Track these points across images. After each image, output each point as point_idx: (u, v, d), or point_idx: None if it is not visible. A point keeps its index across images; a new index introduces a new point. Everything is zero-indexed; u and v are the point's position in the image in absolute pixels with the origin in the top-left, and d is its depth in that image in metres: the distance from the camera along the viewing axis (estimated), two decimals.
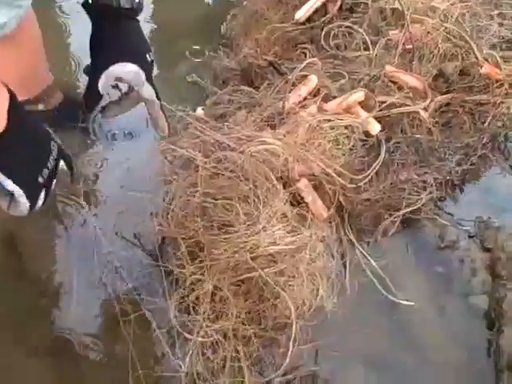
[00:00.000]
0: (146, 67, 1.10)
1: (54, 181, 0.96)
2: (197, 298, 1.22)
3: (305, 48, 1.65)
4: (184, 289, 1.22)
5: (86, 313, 1.32)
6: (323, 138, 1.37)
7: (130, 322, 1.22)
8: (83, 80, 1.71)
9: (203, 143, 1.30)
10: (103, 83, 1.07)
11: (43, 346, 1.28)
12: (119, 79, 1.08)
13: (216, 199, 1.25)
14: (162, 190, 1.33)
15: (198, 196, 1.24)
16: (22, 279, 1.38)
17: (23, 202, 0.88)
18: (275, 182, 1.27)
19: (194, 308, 1.22)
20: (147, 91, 1.11)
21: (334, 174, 1.32)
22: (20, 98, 1.49)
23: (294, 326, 1.18)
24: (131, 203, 1.39)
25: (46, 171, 0.91)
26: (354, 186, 1.37)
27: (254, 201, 1.24)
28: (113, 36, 1.07)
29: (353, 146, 1.41)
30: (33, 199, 0.90)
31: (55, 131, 1.54)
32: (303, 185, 1.33)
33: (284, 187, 1.31)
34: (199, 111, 1.56)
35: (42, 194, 0.93)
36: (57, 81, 1.63)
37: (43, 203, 0.94)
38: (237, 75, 1.66)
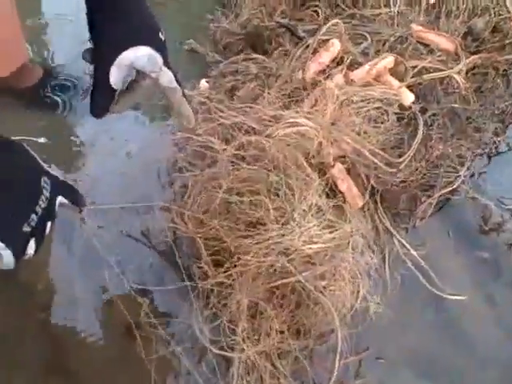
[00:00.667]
0: (162, 48, 0.88)
1: (49, 224, 0.78)
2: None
3: (316, 6, 1.44)
4: (212, 305, 1.04)
5: (95, 329, 1.15)
6: (355, 114, 1.18)
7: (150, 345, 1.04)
8: (64, 53, 1.50)
9: (220, 127, 1.10)
10: (116, 76, 0.85)
11: (46, 365, 1.11)
12: (130, 66, 0.87)
13: (241, 194, 1.06)
14: (176, 182, 1.13)
15: (220, 190, 1.05)
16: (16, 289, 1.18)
17: (6, 254, 0.71)
18: (309, 170, 1.09)
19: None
20: (166, 77, 0.90)
21: (370, 156, 1.14)
22: None
23: (339, 337, 1.03)
24: (137, 197, 1.19)
25: (33, 217, 0.73)
26: (393, 170, 1.19)
27: (286, 194, 1.06)
28: (118, 14, 0.85)
29: (386, 120, 1.23)
30: (18, 251, 0.73)
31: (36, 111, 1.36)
32: (337, 171, 1.15)
33: (319, 174, 1.14)
34: (203, 84, 1.34)
35: (32, 243, 0.75)
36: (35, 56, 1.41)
37: (36, 251, 0.77)
38: (240, 40, 1.44)
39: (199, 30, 1.55)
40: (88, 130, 1.39)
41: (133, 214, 1.20)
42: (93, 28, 0.85)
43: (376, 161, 1.12)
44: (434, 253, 1.23)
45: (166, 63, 0.89)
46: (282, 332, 1.04)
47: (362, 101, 1.20)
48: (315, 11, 1.44)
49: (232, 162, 1.08)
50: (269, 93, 1.19)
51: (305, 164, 1.08)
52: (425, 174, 1.26)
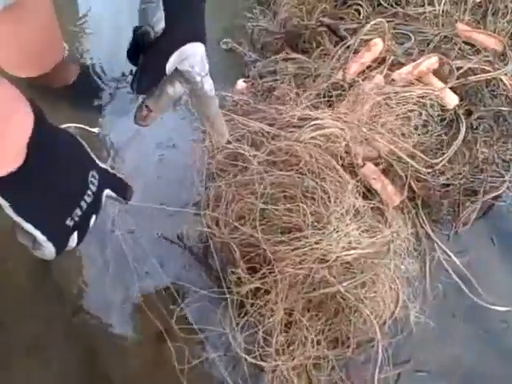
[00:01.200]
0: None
1: (93, 217, 0.76)
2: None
3: (358, 4, 1.40)
4: (247, 313, 1.01)
5: (127, 335, 1.13)
6: (391, 114, 1.14)
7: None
8: (102, 52, 1.49)
9: (250, 133, 1.07)
10: (173, 62, 0.83)
11: (76, 369, 1.09)
12: (184, 61, 0.84)
13: (276, 199, 1.03)
14: (208, 188, 1.10)
15: (252, 196, 1.03)
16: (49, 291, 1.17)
17: (48, 246, 0.70)
18: (342, 171, 1.06)
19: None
20: (209, 83, 0.88)
21: (404, 156, 1.10)
22: (29, 75, 1.32)
23: (379, 348, 0.99)
24: (171, 201, 1.17)
25: (78, 212, 0.72)
26: (429, 170, 1.15)
27: (322, 197, 1.03)
28: (190, 12, 0.83)
29: (427, 122, 1.19)
30: (59, 244, 0.72)
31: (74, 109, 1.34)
32: (369, 170, 1.11)
33: (351, 176, 1.10)
34: (240, 84, 1.32)
35: (75, 236, 0.74)
36: (72, 54, 1.39)
37: (78, 244, 0.75)
38: (278, 39, 1.41)
39: (237, 29, 1.51)
40: (122, 131, 1.37)
41: (166, 219, 1.18)
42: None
43: (410, 161, 1.08)
44: (477, 261, 1.18)
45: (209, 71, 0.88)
46: (318, 343, 1.01)
47: (402, 102, 1.15)
48: (357, 10, 1.39)
49: (264, 167, 1.05)
50: (297, 93, 1.15)
51: (337, 166, 1.04)
52: (468, 179, 1.22)
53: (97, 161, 0.77)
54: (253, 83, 1.30)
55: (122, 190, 0.83)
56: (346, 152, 1.10)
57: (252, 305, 1.03)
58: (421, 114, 1.18)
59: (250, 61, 1.40)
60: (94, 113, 1.39)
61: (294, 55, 1.30)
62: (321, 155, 1.04)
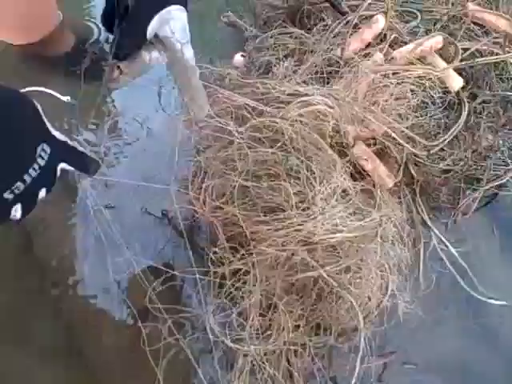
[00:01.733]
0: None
1: (43, 190, 0.72)
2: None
3: None
4: (224, 295, 0.97)
5: (105, 311, 1.10)
6: (388, 94, 1.08)
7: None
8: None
9: (236, 107, 1.02)
10: (154, 27, 0.79)
11: (49, 346, 1.06)
12: (164, 26, 0.81)
13: (259, 177, 0.99)
14: (190, 163, 1.06)
15: (235, 174, 0.98)
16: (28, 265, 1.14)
17: None
18: (329, 150, 1.00)
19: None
20: (190, 52, 0.84)
21: (397, 137, 1.04)
22: (22, 42, 1.28)
23: (361, 338, 0.94)
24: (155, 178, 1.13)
25: (19, 185, 0.67)
26: (424, 153, 1.09)
27: (307, 177, 0.98)
28: None
29: (426, 104, 1.13)
30: None
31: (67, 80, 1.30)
32: (360, 150, 1.06)
33: (340, 156, 1.04)
34: (238, 58, 1.27)
35: (18, 207, 0.69)
36: (67, 21, 1.35)
37: (24, 215, 0.71)
38: (281, 14, 1.35)
39: (240, 2, 1.46)
40: (112, 103, 1.33)
41: (150, 196, 1.14)
42: None
43: (403, 143, 1.02)
44: (475, 252, 1.12)
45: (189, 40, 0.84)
46: (297, 327, 0.97)
47: (400, 82, 1.09)
48: None
49: (246, 143, 1.00)
50: (290, 68, 1.10)
51: (324, 145, 0.99)
52: (471, 166, 1.16)
53: (53, 132, 0.73)
54: (250, 57, 1.25)
55: (82, 164, 0.79)
56: (336, 131, 1.04)
57: (231, 286, 0.99)
58: (419, 95, 1.11)
59: (250, 35, 1.35)
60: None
61: (292, 29, 1.25)
62: (307, 133, 0.98)
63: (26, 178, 0.68)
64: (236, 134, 0.98)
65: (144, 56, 0.82)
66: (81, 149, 0.78)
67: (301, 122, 0.98)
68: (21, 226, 1.15)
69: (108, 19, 0.78)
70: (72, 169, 0.77)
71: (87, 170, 0.80)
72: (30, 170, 0.69)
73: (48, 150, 0.71)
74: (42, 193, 0.73)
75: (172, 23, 0.80)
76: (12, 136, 0.67)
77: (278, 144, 0.99)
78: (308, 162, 0.97)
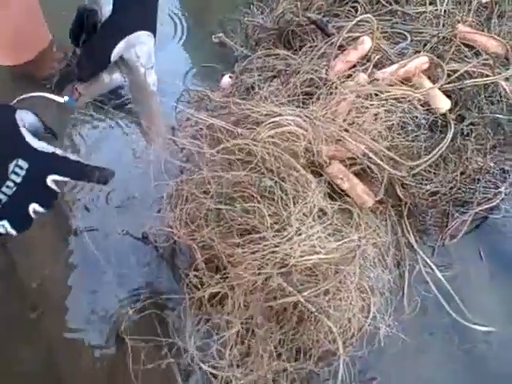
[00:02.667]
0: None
1: (33, 206, 0.74)
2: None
3: (355, 2, 1.33)
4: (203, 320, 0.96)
5: (86, 334, 1.09)
6: (369, 114, 1.07)
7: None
8: None
9: (211, 129, 1.01)
10: (119, 50, 0.79)
11: (27, 370, 1.05)
12: (130, 50, 0.81)
13: (233, 199, 0.97)
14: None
15: (209, 196, 0.97)
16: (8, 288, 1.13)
17: None
18: (302, 170, 0.99)
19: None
20: (152, 78, 0.85)
21: (374, 157, 1.02)
22: (13, 63, 1.30)
23: (341, 365, 0.92)
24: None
25: None
26: (405, 174, 1.07)
27: (282, 197, 0.96)
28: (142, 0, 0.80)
29: (410, 125, 1.11)
30: None
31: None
32: (335, 169, 1.04)
33: (316, 176, 1.03)
34: (226, 79, 1.27)
35: (5, 223, 0.73)
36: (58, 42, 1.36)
37: (19, 231, 0.74)
38: (271, 35, 1.36)
39: (232, 23, 1.47)
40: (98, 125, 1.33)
41: (132, 217, 1.14)
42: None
43: (381, 162, 1.01)
44: (463, 276, 1.11)
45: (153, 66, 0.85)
46: (279, 355, 0.95)
47: (383, 103, 1.08)
48: (354, 7, 1.33)
49: (221, 166, 0.99)
50: (271, 90, 1.10)
51: (296, 164, 0.97)
52: (459, 188, 1.14)
53: (34, 144, 0.73)
54: (237, 78, 1.25)
55: (77, 173, 0.78)
56: (311, 151, 1.03)
57: (209, 311, 0.97)
58: (402, 116, 1.10)
59: (240, 56, 1.35)
60: None
61: (278, 51, 1.25)
62: (279, 154, 0.97)
63: (0, 196, 0.69)
64: (207, 157, 0.98)
65: (105, 77, 0.83)
66: (74, 158, 0.78)
67: (273, 143, 0.97)
68: (2, 248, 1.15)
69: (76, 34, 0.79)
70: (67, 179, 0.77)
71: (87, 179, 0.79)
72: (3, 188, 0.69)
73: (25, 166, 0.71)
74: (34, 207, 0.73)
75: (138, 48, 0.81)
76: None
77: (251, 165, 0.98)
78: (282, 183, 0.96)
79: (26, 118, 0.74)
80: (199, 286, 0.98)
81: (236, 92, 1.20)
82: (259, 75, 1.21)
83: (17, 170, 0.71)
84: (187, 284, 0.99)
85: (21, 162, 0.71)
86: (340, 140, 1.01)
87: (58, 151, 0.75)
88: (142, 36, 0.80)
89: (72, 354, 1.06)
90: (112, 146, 1.30)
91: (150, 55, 0.83)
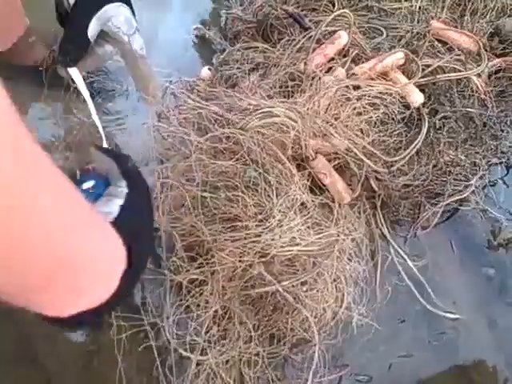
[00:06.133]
0: (134, 14, 0.85)
1: None
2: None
3: None
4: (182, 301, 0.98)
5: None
6: (349, 109, 1.10)
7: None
8: None
9: (199, 117, 1.03)
10: (94, 29, 0.82)
11: (10, 352, 1.05)
12: (106, 23, 0.83)
13: (217, 188, 1.00)
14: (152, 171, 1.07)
15: (194, 184, 0.99)
16: None
17: None
18: (287, 163, 1.01)
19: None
20: (138, 43, 0.86)
21: (359, 153, 1.06)
22: None
23: (316, 352, 0.95)
24: None
25: None
26: (385, 170, 1.11)
27: (265, 189, 0.99)
28: None
29: (388, 119, 1.14)
30: None
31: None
32: (320, 164, 1.07)
33: (299, 169, 1.06)
34: (205, 71, 1.28)
35: None
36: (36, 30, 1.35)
37: None
38: (250, 28, 1.37)
39: (211, 16, 1.48)
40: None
41: None
42: None
43: (364, 158, 1.04)
44: (433, 266, 1.14)
45: (138, 30, 0.86)
46: (251, 339, 0.97)
47: (361, 97, 1.11)
48: (331, 1, 1.35)
49: (205, 155, 1.01)
50: (254, 82, 1.12)
51: (282, 157, 1.00)
52: (431, 181, 1.17)
53: None
54: (217, 71, 1.26)
55: None
56: (297, 143, 1.05)
57: (188, 294, 1.00)
58: (380, 110, 1.13)
59: (218, 49, 1.37)
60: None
61: (256, 44, 1.27)
62: (266, 145, 1.00)
63: None
64: (194, 145, 0.99)
65: (98, 50, 0.85)
66: None
67: (262, 133, 0.99)
68: None
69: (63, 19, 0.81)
70: None
71: None
72: None
73: None
74: None
75: (114, 19, 0.83)
76: None
77: (237, 156, 1.00)
78: (266, 175, 0.98)
79: None
80: (180, 270, 1.01)
81: (217, 84, 1.21)
82: (238, 68, 1.23)
83: None
84: (168, 269, 1.01)
85: None
86: (326, 135, 1.03)
87: None
88: (111, 9, 0.83)
89: (49, 337, 1.06)
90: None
91: (130, 22, 0.85)
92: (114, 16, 0.83)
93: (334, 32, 1.22)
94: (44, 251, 0.45)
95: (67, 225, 0.45)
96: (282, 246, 0.95)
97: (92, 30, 0.81)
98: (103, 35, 0.86)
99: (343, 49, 1.20)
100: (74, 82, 0.89)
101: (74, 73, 0.89)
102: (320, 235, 0.99)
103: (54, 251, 0.47)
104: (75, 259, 0.50)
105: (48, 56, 1.33)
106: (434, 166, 1.17)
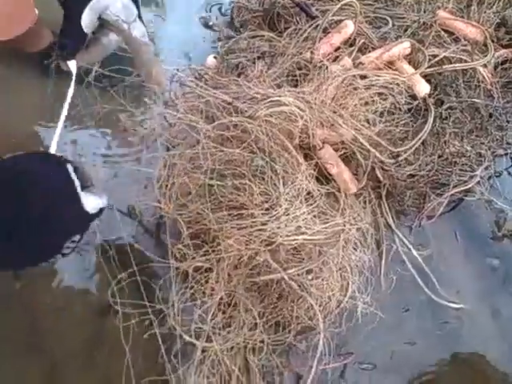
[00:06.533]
0: (136, 2, 0.85)
1: None
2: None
3: None
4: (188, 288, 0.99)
5: (72, 305, 1.10)
6: (356, 99, 1.10)
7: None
8: None
9: (207, 105, 1.03)
10: (88, 19, 0.81)
11: (18, 340, 1.06)
12: (104, 12, 0.83)
13: (224, 176, 1.00)
14: (159, 159, 1.07)
15: (201, 172, 0.99)
16: None
17: None
18: (293, 152, 1.02)
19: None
20: (140, 30, 0.86)
21: (366, 144, 1.06)
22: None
23: (321, 340, 0.95)
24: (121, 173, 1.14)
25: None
26: (391, 161, 1.11)
27: (271, 177, 0.99)
28: None
29: (394, 109, 1.14)
30: None
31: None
32: (327, 153, 1.07)
33: (306, 158, 1.06)
34: (210, 60, 1.28)
35: None
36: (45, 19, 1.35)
37: None
38: (257, 17, 1.37)
39: (217, 4, 1.48)
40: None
41: (120, 191, 1.15)
42: None
43: (371, 148, 1.04)
44: (438, 256, 1.14)
45: (139, 17, 0.86)
46: (256, 325, 0.98)
47: (368, 87, 1.11)
48: None
49: (213, 143, 1.01)
50: (262, 71, 1.12)
51: (289, 146, 1.00)
52: (437, 171, 1.17)
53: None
54: (223, 59, 1.26)
55: None
56: (305, 133, 1.05)
57: (194, 281, 1.00)
58: (387, 101, 1.13)
59: (224, 37, 1.37)
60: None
61: (262, 33, 1.27)
62: (274, 134, 1.00)
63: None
64: (202, 133, 0.99)
65: (103, 40, 0.84)
66: None
67: (270, 122, 0.99)
68: None
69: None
70: None
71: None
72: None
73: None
74: None
75: (112, 7, 0.83)
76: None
77: (244, 144, 1.00)
78: (273, 163, 0.99)
79: None
80: (183, 260, 1.01)
81: (223, 72, 1.21)
82: (244, 56, 1.23)
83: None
84: (174, 256, 1.01)
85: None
86: (333, 125, 1.03)
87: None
88: None
89: (56, 324, 1.07)
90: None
91: (129, 9, 0.84)
92: (110, 4, 0.82)
93: (341, 21, 1.22)
94: None
95: None
96: (287, 235, 0.95)
97: (87, 20, 0.80)
98: (106, 24, 0.86)
99: (349, 38, 1.20)
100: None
101: (72, 66, 0.88)
102: (326, 224, 1.00)
103: None
104: None
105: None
106: (440, 157, 1.17)
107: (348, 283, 1.03)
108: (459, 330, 1.09)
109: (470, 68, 1.22)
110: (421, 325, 1.10)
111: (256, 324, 0.99)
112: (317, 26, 1.19)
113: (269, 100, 1.01)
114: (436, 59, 1.20)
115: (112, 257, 1.03)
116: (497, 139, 1.24)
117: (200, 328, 0.97)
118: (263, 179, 1.00)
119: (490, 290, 1.14)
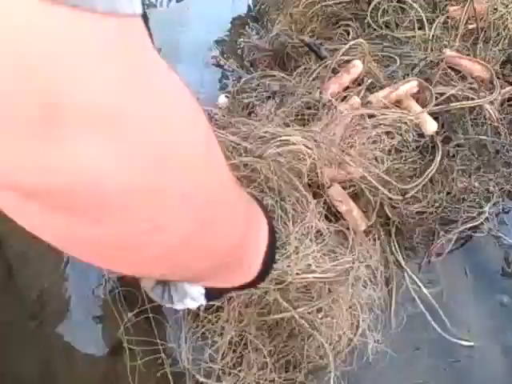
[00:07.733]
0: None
1: None
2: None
3: (348, 26, 1.39)
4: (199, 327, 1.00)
5: (84, 344, 1.10)
6: (364, 137, 1.11)
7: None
8: None
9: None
10: None
11: (23, 378, 1.07)
12: None
13: None
14: None
15: None
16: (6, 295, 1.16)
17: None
18: (303, 190, 1.03)
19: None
20: None
21: (373, 181, 1.07)
22: None
23: (332, 379, 0.96)
24: None
25: None
26: (400, 198, 1.12)
27: (281, 216, 1.01)
28: None
29: (402, 147, 1.16)
30: None
31: None
32: (336, 192, 1.08)
33: (315, 197, 1.07)
34: (222, 99, 1.31)
35: None
36: None
37: None
38: (267, 56, 1.40)
39: (228, 43, 1.51)
40: None
41: None
42: None
43: (380, 187, 1.05)
44: (448, 293, 1.14)
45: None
46: (266, 365, 0.99)
47: (376, 125, 1.13)
48: (346, 30, 1.38)
49: None
50: (271, 110, 1.14)
51: (298, 185, 1.02)
52: (445, 208, 1.18)
53: None
54: (234, 98, 1.29)
55: None
56: (314, 172, 1.07)
57: (204, 320, 1.01)
58: (395, 139, 1.14)
59: (235, 76, 1.39)
60: None
61: (273, 72, 1.29)
62: (283, 173, 1.01)
63: None
64: None
65: None
66: None
67: (278, 161, 1.01)
68: (2, 259, 1.17)
69: None
70: None
71: None
72: None
73: None
74: None
75: None
76: None
77: (254, 184, 1.02)
78: (282, 202, 1.00)
79: None
80: None
81: (234, 112, 1.23)
82: (255, 96, 1.25)
83: None
84: None
85: None
86: (341, 163, 1.05)
87: None
88: None
89: (68, 362, 1.08)
90: None
91: None
92: None
93: (349, 61, 1.24)
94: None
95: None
96: (297, 273, 0.96)
97: None
98: None
99: (358, 77, 1.22)
100: None
101: None
102: (335, 262, 1.01)
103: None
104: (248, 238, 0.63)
105: None
106: (448, 193, 1.18)
107: (358, 321, 1.04)
108: (470, 367, 1.09)
109: (477, 105, 1.23)
110: (432, 363, 1.09)
111: (266, 363, 0.99)
112: (326, 65, 1.22)
113: (278, 139, 1.03)
114: (443, 97, 1.21)
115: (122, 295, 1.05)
116: (504, 175, 1.24)
117: (210, 367, 0.98)
118: (273, 218, 1.01)
119: (500, 327, 1.14)
